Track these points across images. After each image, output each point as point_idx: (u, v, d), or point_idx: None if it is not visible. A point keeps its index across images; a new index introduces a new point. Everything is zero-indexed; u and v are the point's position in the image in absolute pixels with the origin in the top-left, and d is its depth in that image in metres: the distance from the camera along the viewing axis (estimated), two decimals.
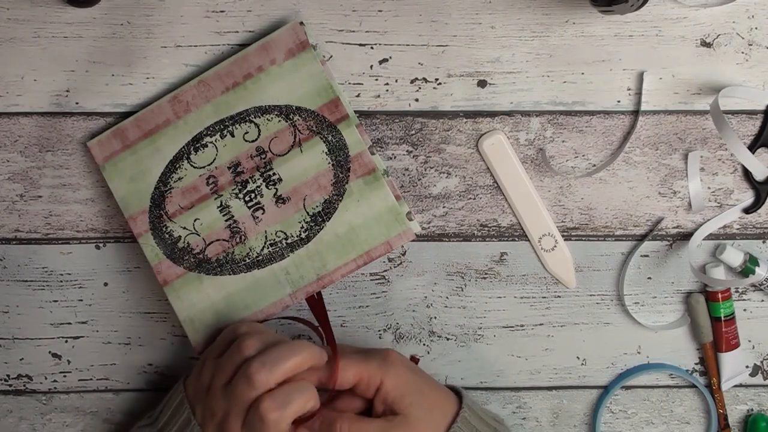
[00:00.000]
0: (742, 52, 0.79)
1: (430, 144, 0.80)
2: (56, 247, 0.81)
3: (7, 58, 0.78)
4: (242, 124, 0.77)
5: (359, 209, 0.76)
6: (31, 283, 0.82)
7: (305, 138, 0.77)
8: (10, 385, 0.83)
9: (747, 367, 0.83)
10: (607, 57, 0.79)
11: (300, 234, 0.77)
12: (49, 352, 0.83)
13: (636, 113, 0.79)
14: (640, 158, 0.80)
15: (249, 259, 0.77)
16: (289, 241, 0.77)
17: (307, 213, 0.77)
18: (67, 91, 0.79)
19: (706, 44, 0.79)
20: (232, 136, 0.77)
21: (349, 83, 0.79)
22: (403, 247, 0.81)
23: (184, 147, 0.77)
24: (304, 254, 0.77)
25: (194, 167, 0.77)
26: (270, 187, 0.77)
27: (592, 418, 0.84)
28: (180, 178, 0.77)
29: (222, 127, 0.77)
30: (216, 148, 0.77)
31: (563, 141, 0.80)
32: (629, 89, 0.79)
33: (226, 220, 0.77)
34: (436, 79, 0.79)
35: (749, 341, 0.83)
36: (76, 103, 0.79)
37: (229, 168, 0.77)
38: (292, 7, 0.78)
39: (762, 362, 0.83)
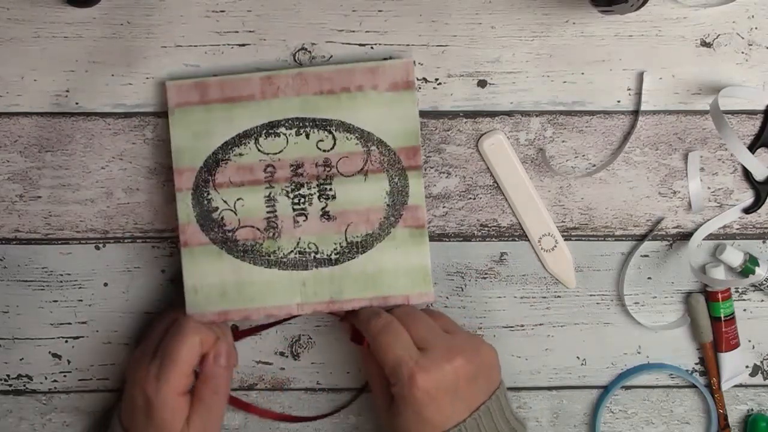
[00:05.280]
0: (742, 52, 0.79)
1: (430, 144, 0.80)
2: (56, 247, 0.81)
3: (7, 58, 0.78)
4: (321, 131, 0.76)
5: (394, 256, 0.77)
6: (31, 283, 0.82)
7: (374, 170, 0.76)
8: (10, 385, 0.83)
9: (747, 367, 0.83)
10: (607, 57, 0.79)
11: (330, 255, 0.77)
12: (49, 352, 0.82)
13: (636, 113, 0.79)
14: (640, 158, 0.80)
15: (274, 256, 0.77)
16: (318, 256, 0.77)
17: (345, 239, 0.77)
18: (67, 91, 0.79)
19: (706, 44, 0.79)
20: (307, 137, 0.77)
21: None
22: None
23: (257, 127, 0.76)
24: (326, 274, 0.77)
25: (259, 150, 0.77)
26: (321, 200, 0.77)
27: (592, 418, 0.84)
28: (241, 154, 0.76)
29: (301, 124, 0.76)
30: (287, 141, 0.77)
31: (563, 141, 0.80)
32: (629, 89, 0.79)
33: (268, 212, 0.77)
34: (436, 79, 0.79)
35: (749, 341, 0.83)
36: (76, 103, 0.79)
37: (291, 165, 0.77)
38: (292, 8, 0.78)
39: (762, 362, 0.83)
